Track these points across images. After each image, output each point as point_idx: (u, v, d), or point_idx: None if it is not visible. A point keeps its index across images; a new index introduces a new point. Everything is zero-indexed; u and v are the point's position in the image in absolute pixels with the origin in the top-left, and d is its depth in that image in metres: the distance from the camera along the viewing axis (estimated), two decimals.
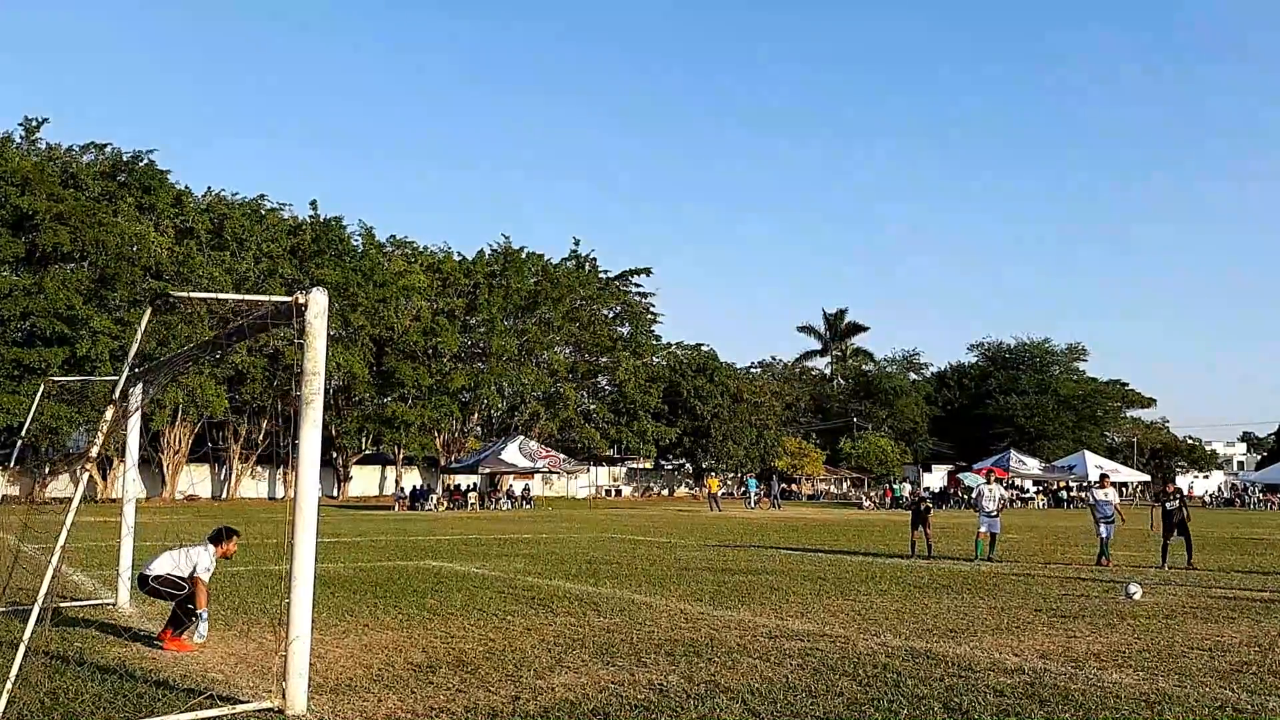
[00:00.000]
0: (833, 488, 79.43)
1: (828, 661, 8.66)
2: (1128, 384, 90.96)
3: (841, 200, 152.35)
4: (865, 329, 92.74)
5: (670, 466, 77.02)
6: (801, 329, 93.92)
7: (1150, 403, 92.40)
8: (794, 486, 74.72)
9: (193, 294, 6.84)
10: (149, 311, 6.14)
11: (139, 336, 6.05)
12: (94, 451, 6.18)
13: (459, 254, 65.05)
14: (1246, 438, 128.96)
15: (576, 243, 73.76)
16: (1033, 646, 9.64)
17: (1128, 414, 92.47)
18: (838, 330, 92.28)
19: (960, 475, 61.48)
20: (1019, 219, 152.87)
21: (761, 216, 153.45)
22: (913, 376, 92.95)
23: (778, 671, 8.22)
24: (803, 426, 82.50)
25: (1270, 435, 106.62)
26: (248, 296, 6.56)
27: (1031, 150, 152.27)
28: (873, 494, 63.70)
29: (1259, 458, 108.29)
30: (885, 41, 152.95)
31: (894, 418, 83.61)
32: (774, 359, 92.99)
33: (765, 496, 56.31)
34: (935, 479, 74.41)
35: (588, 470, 65.01)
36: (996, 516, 19.83)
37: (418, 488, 50.49)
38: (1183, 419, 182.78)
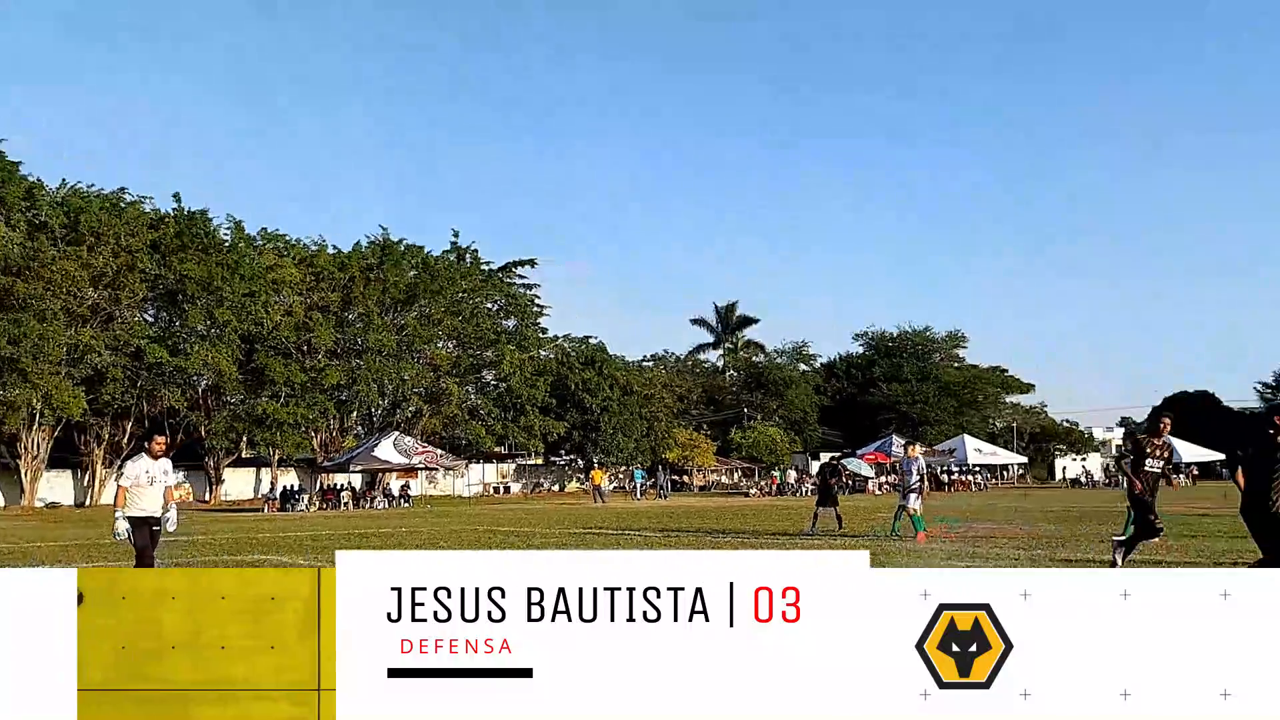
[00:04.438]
0: (724, 478, 79.64)
1: None
2: (1006, 370, 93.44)
3: (732, 195, 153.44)
4: (755, 321, 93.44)
5: (561, 462, 76.14)
6: (694, 322, 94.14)
7: (1029, 388, 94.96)
8: (685, 477, 74.59)
9: None
10: None
11: None
12: None
13: (334, 247, 63.18)
14: (1124, 422, 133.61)
15: (456, 234, 70.99)
16: None
17: (1007, 399, 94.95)
18: (729, 323, 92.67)
19: (844, 461, 62.12)
20: (903, 208, 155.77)
21: (655, 211, 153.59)
22: (802, 367, 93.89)
23: None
24: (695, 418, 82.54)
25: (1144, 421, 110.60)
26: None
27: (914, 138, 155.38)
28: (761, 482, 63.95)
29: None
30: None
31: (784, 408, 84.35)
32: (667, 352, 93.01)
33: (651, 487, 55.95)
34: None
35: (468, 466, 63.75)
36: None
37: (288, 488, 48.72)
38: (1061, 404, 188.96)
